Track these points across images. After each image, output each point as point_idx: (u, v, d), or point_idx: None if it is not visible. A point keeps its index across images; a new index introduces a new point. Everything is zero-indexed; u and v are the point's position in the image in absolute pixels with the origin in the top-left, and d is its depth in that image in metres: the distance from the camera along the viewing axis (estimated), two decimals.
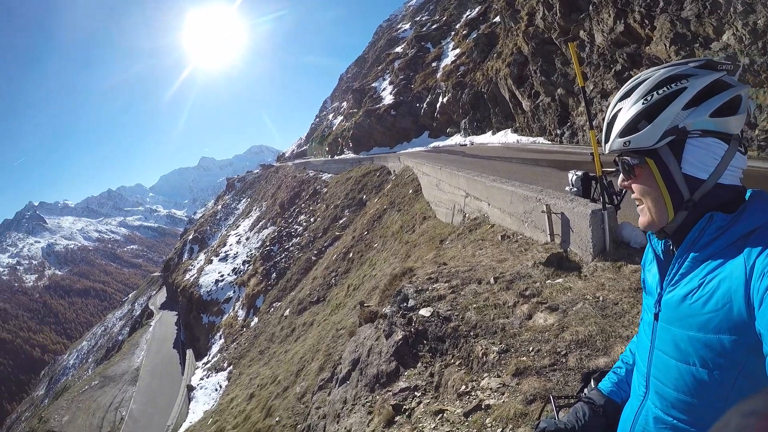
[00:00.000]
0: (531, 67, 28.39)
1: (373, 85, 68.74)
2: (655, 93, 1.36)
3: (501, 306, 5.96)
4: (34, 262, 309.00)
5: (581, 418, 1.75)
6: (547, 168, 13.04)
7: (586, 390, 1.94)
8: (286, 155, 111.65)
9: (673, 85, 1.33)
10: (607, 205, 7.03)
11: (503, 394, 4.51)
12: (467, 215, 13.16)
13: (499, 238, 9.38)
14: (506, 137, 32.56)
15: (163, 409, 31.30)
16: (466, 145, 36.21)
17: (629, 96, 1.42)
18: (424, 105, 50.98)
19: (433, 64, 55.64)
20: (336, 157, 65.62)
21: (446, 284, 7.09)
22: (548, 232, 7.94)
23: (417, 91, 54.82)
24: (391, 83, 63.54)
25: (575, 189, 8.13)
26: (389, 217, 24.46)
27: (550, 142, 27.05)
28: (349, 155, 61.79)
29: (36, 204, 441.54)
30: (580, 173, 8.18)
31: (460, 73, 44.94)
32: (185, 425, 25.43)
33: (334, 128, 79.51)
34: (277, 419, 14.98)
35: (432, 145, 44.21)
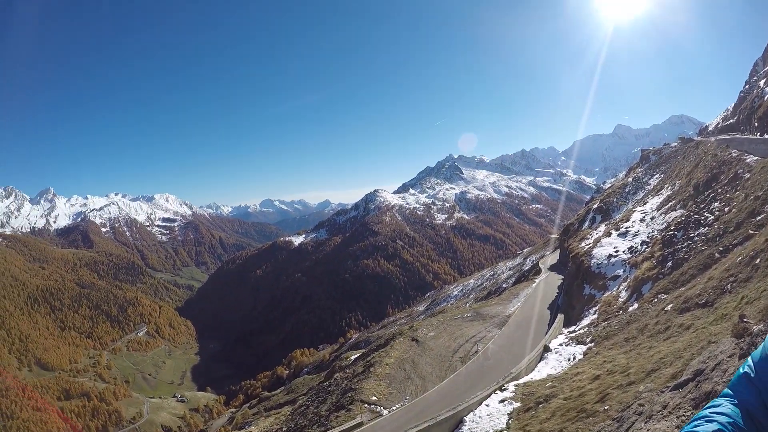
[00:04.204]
0: None
1: None
2: None
3: None
4: (447, 204, 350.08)
5: None
6: None
7: None
8: (710, 129, 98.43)
9: None
10: None
11: None
12: None
13: None
14: None
15: (514, 358, 31.95)
16: None
17: None
18: None
19: None
20: (766, 137, 54.91)
21: None
22: None
23: None
24: None
25: None
26: None
27: None
28: None
29: (455, 157, 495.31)
30: None
31: None
32: (526, 378, 25.58)
33: (765, 98, 65.94)
34: (606, 407, 13.68)
35: None
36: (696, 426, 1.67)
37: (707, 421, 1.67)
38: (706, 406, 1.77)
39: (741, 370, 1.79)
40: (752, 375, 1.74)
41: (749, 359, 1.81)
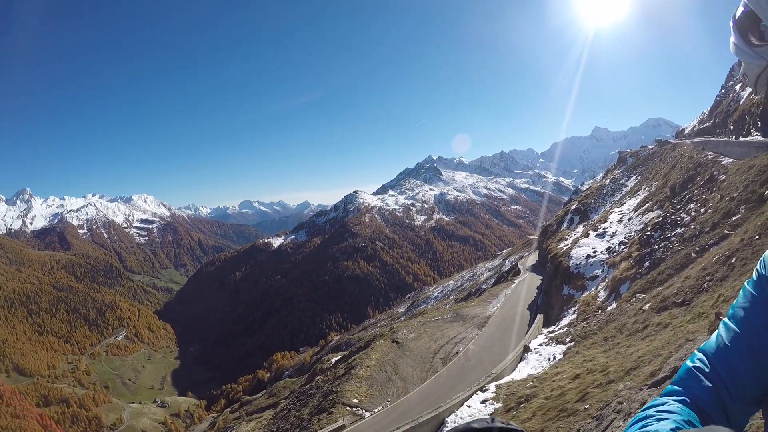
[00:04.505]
0: None
1: None
2: None
3: None
4: (426, 205, 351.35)
5: None
6: None
7: None
8: (686, 131, 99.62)
9: None
10: None
11: None
12: None
13: None
14: None
15: (494, 358, 32.06)
16: None
17: None
18: None
19: None
20: (741, 139, 55.86)
21: None
22: None
23: None
24: None
25: None
26: None
27: None
28: (756, 138, 51.64)
29: (435, 158, 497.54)
30: None
31: None
32: (506, 378, 25.70)
33: (741, 102, 66.90)
34: (586, 406, 13.84)
35: None
36: (645, 426, 1.45)
37: (657, 420, 1.46)
38: (647, 405, 1.58)
39: (688, 364, 1.61)
40: (706, 369, 1.55)
41: (697, 353, 1.63)
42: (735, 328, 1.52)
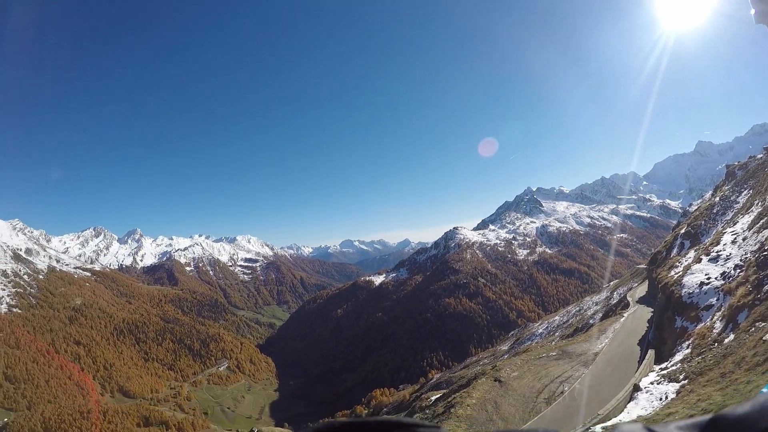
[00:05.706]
0: None
1: None
2: None
3: None
4: (528, 239, 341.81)
5: None
6: None
7: None
8: None
9: None
10: None
11: None
12: None
13: None
14: None
15: (602, 398, 30.36)
16: None
17: None
18: None
19: None
20: None
21: None
22: None
23: None
24: None
25: None
26: None
27: None
28: None
29: (534, 189, 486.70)
30: None
31: None
32: (614, 420, 24.21)
33: None
34: None
35: None
36: None
37: None
38: None
39: None
40: None
41: None
42: None
